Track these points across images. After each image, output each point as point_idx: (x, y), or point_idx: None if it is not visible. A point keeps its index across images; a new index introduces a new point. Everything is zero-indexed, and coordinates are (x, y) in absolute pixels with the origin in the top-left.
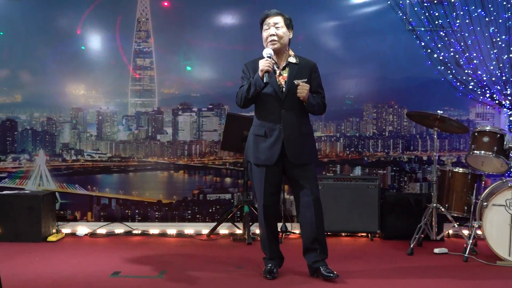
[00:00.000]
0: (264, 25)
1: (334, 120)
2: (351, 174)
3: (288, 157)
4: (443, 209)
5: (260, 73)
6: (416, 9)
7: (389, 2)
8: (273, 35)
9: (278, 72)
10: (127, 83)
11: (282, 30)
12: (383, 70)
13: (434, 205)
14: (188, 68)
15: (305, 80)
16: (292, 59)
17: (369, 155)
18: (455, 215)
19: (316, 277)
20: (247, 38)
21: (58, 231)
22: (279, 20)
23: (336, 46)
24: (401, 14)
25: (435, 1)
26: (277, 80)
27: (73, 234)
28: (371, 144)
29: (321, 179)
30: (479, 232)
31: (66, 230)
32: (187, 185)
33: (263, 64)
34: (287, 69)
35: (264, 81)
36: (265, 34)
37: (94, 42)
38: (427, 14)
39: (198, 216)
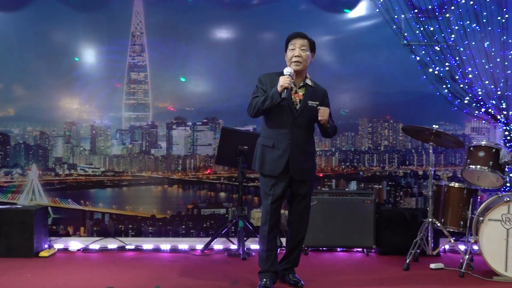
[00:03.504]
0: (290, 44)
1: None
2: (346, 189)
3: (290, 172)
4: (439, 224)
5: (279, 88)
6: (411, 23)
7: (384, 17)
8: (298, 56)
9: (294, 89)
10: (121, 97)
11: (306, 53)
12: (378, 85)
13: (430, 220)
14: (182, 78)
15: (318, 103)
16: (309, 82)
17: (365, 169)
18: (451, 230)
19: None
20: (242, 52)
21: (50, 246)
22: (305, 43)
23: (330, 61)
24: (396, 29)
25: (430, 16)
26: (293, 97)
27: (65, 250)
28: (367, 158)
29: (316, 194)
30: (475, 247)
31: (58, 245)
32: (181, 199)
33: (283, 81)
34: (303, 89)
35: (282, 96)
36: (290, 53)
37: (88, 56)
38: (422, 28)
39: (192, 231)
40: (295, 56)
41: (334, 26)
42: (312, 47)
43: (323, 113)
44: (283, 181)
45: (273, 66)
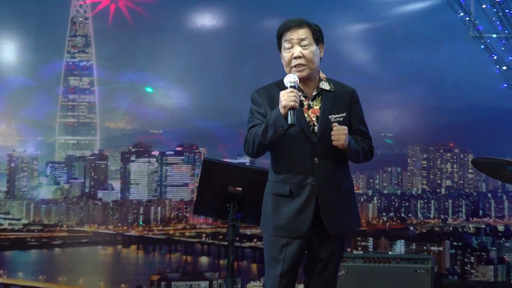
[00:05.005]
0: (284, 41)
1: (364, 170)
2: (390, 252)
3: (325, 226)
4: None
5: (282, 110)
6: (484, 6)
7: None
8: (300, 57)
9: (306, 104)
10: (54, 113)
11: (311, 49)
12: (436, 96)
13: None
14: (149, 89)
15: (345, 114)
16: (325, 85)
17: (417, 223)
18: None
19: None
20: (235, 49)
21: None
22: (306, 34)
23: (366, 60)
24: (462, 14)
25: None
26: (306, 115)
27: None
28: (420, 206)
29: (346, 259)
30: None
31: None
32: (142, 267)
33: (286, 98)
34: (318, 98)
35: (289, 122)
36: (286, 55)
37: (6, 52)
38: (500, 14)
39: None
40: (295, 58)
41: (373, 10)
42: (318, 36)
43: (336, 136)
44: (304, 241)
45: (281, 70)
